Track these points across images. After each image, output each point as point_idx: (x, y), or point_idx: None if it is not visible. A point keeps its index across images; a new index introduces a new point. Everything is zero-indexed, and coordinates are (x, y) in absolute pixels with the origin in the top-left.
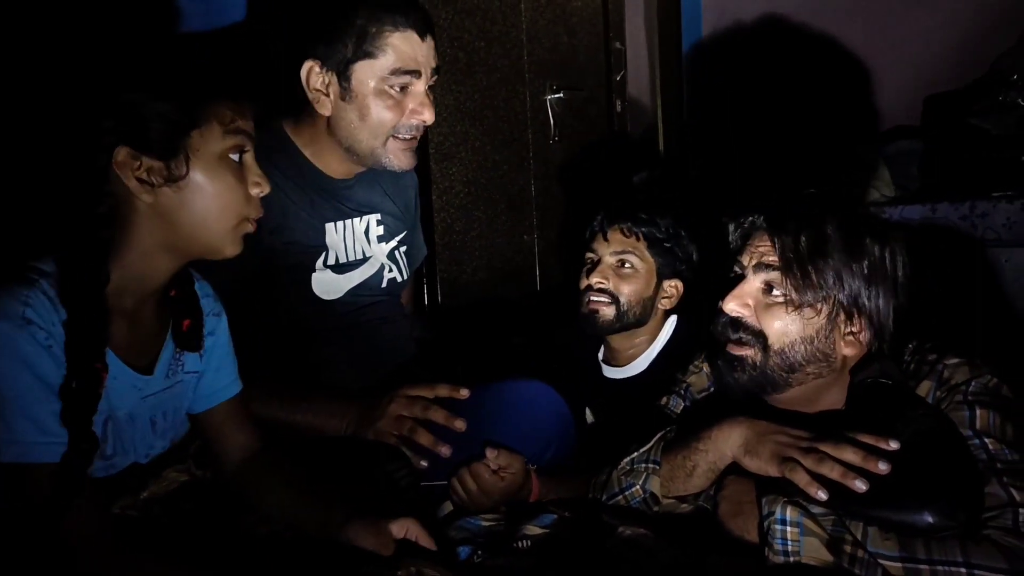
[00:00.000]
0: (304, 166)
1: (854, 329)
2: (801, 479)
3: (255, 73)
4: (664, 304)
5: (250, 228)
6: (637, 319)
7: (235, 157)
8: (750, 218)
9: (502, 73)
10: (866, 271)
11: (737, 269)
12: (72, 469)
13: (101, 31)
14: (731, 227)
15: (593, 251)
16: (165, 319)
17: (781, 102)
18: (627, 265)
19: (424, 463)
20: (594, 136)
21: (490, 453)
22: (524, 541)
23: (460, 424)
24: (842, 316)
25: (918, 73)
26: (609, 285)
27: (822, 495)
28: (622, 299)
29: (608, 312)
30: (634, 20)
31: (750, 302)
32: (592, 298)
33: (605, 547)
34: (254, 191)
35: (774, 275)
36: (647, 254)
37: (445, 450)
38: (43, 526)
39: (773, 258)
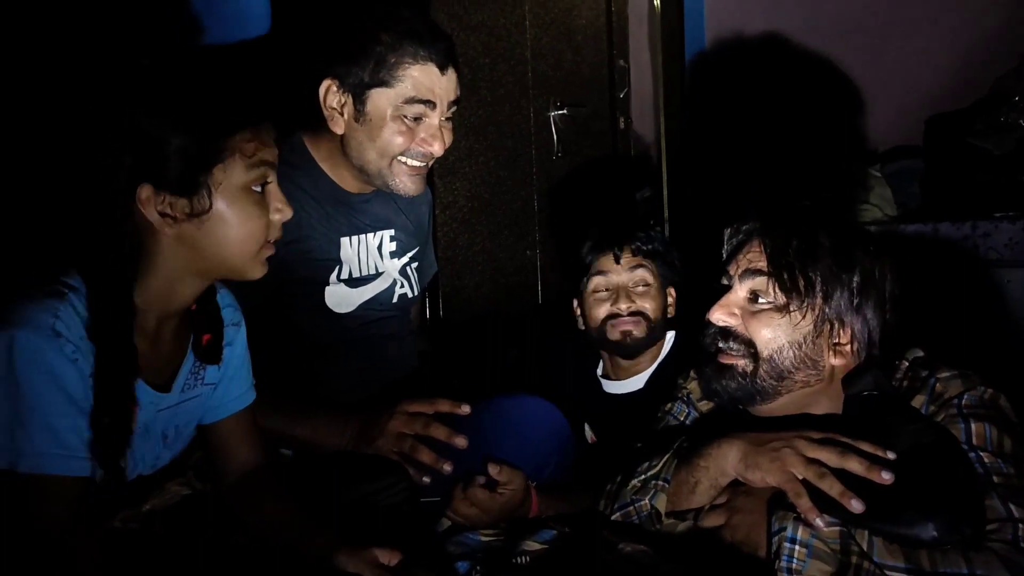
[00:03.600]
0: (321, 180)
1: (842, 340)
2: (803, 505)
3: (278, 84)
4: (669, 312)
5: (272, 251)
6: (662, 332)
7: (257, 189)
8: (744, 226)
9: (506, 89)
10: (855, 283)
11: (724, 280)
12: (95, 500)
13: (123, 56)
14: (726, 234)
15: (603, 275)
16: (185, 335)
17: (784, 120)
18: (645, 284)
19: (426, 479)
20: (597, 153)
21: (492, 469)
22: (523, 557)
23: (461, 441)
24: (829, 325)
25: (920, 93)
26: (636, 306)
27: (820, 523)
28: (651, 315)
29: (640, 331)
30: (638, 38)
31: (736, 311)
32: (623, 321)
33: (604, 563)
34: (275, 217)
35: (760, 281)
36: (654, 267)
37: (447, 467)
38: (48, 542)
39: (760, 264)
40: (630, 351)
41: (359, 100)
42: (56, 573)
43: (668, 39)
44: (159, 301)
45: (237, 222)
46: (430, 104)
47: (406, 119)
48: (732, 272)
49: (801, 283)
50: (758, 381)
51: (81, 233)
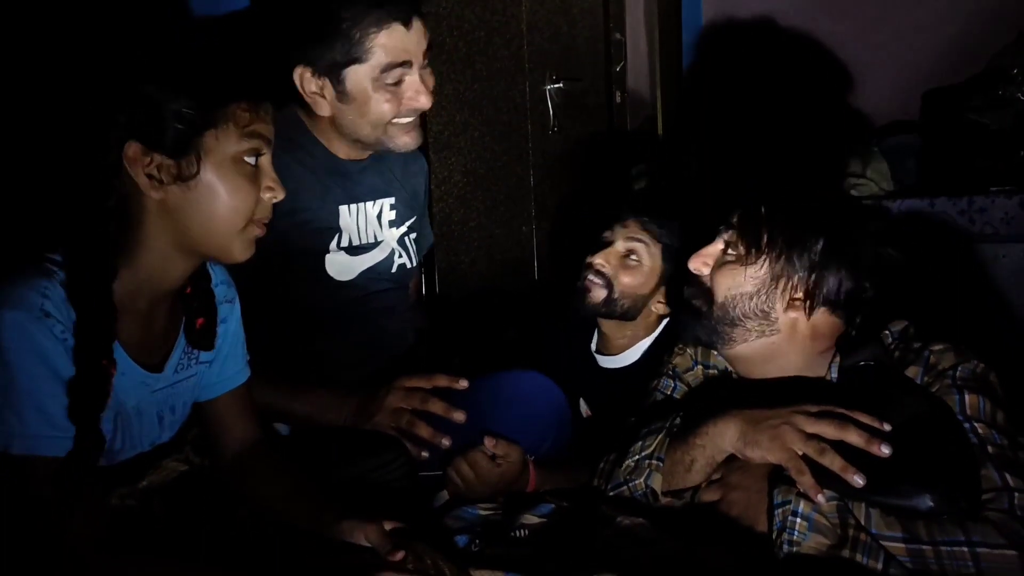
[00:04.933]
0: (316, 150)
1: (795, 295)
2: (806, 482)
3: (266, 61)
4: (658, 308)
5: (259, 232)
6: (624, 311)
7: (251, 160)
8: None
9: (502, 63)
10: (819, 246)
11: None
12: (77, 466)
13: (119, 21)
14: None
15: (609, 233)
16: (178, 316)
17: (781, 95)
18: (634, 256)
19: (425, 454)
20: (593, 127)
21: (488, 442)
22: (522, 530)
23: (459, 415)
24: (786, 280)
25: (917, 68)
26: (608, 270)
27: (822, 499)
28: (616, 287)
29: (598, 295)
30: (634, 11)
31: (710, 261)
32: (589, 276)
33: (602, 537)
34: (266, 195)
35: (731, 234)
36: (657, 254)
37: (446, 441)
38: (42, 522)
39: (734, 219)
40: (582, 307)
41: (337, 80)
42: (50, 553)
43: (665, 12)
44: (148, 280)
45: (224, 192)
46: (407, 64)
47: (388, 86)
48: (721, 228)
49: (764, 239)
50: (713, 323)
51: (66, 192)
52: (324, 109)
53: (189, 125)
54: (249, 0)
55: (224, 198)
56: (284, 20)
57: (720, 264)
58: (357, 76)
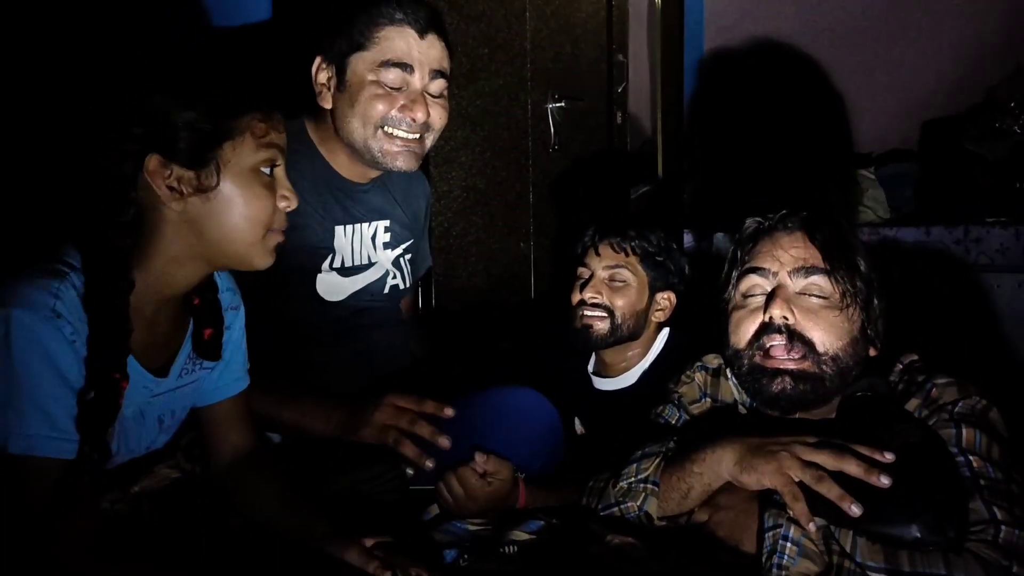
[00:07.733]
0: (321, 167)
1: (878, 332)
2: (799, 509)
3: (278, 71)
4: (657, 317)
5: (279, 239)
6: (631, 332)
7: (266, 171)
8: (775, 217)
9: (505, 80)
10: (874, 273)
11: (758, 277)
12: (80, 477)
13: (136, 35)
14: (750, 225)
15: (585, 266)
16: (184, 321)
17: (780, 122)
18: (619, 279)
19: (410, 471)
20: (593, 147)
21: (479, 458)
22: (510, 546)
23: (444, 441)
24: (872, 319)
25: (917, 98)
26: (603, 299)
27: (812, 527)
28: (616, 313)
29: (602, 326)
30: (637, 33)
31: (794, 308)
32: (586, 313)
33: (591, 555)
34: (282, 204)
35: (820, 278)
36: (639, 268)
37: (429, 463)
38: (35, 522)
39: (816, 260)
40: (590, 345)
41: (341, 69)
42: (43, 553)
43: (667, 36)
44: (157, 285)
45: (243, 202)
46: (407, 68)
47: (384, 84)
48: (775, 268)
49: (855, 276)
50: (826, 382)
51: (86, 205)
52: (326, 101)
53: (206, 137)
54: (271, 10)
55: (243, 209)
56: (314, 14)
57: (810, 310)
58: (358, 64)
